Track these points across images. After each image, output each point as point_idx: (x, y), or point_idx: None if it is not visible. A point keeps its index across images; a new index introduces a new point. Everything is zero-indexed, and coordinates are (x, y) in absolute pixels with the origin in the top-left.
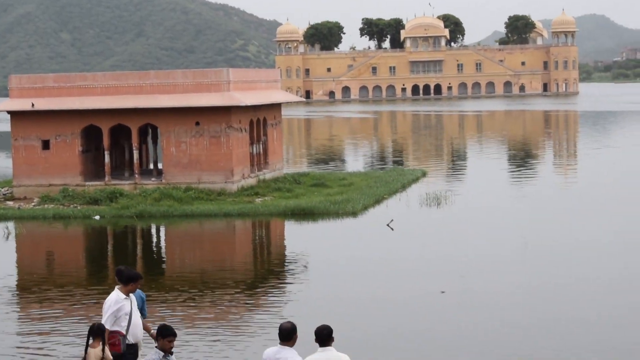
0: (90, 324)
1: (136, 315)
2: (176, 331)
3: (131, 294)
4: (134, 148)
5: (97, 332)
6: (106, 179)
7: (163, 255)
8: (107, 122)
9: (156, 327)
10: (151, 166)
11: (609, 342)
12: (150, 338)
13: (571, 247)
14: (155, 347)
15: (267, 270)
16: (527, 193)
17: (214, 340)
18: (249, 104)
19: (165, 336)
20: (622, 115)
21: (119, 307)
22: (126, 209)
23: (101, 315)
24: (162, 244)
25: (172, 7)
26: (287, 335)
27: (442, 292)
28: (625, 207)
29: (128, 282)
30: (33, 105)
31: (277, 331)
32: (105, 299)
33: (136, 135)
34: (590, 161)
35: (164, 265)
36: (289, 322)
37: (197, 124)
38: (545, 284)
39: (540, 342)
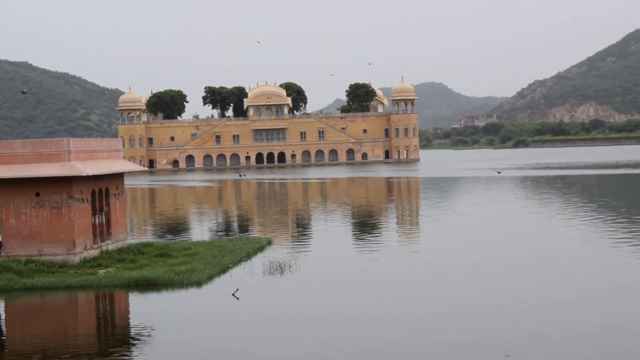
0: None
1: None
2: None
3: None
4: None
5: None
6: None
7: (3, 330)
8: None
9: None
10: None
11: None
12: None
13: (407, 313)
14: None
15: (110, 342)
16: (371, 258)
17: None
18: (90, 174)
19: None
20: (460, 180)
21: None
22: None
23: None
24: (2, 318)
25: (12, 75)
26: None
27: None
28: (466, 272)
29: None
30: None
31: None
32: None
33: None
34: (431, 226)
35: (3, 342)
36: None
37: (38, 194)
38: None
39: None
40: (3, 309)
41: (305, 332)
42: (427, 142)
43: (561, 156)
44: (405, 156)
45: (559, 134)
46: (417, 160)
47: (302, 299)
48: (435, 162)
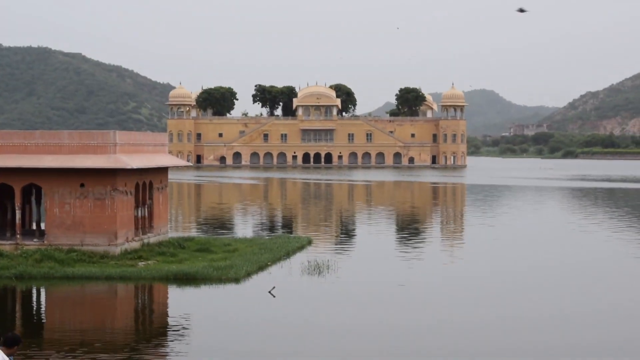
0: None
1: None
2: None
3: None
4: (16, 208)
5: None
6: None
7: (43, 318)
8: None
9: None
10: (34, 227)
11: None
12: None
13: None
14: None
15: (147, 334)
16: (412, 264)
17: None
18: (135, 167)
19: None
20: (507, 189)
21: None
22: (5, 270)
23: None
24: (42, 306)
25: (65, 66)
26: None
27: None
28: (508, 283)
29: (13, 345)
30: None
31: None
32: None
33: (19, 195)
34: (475, 233)
35: (43, 329)
36: None
37: (82, 185)
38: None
39: None
40: (44, 297)
41: (339, 335)
42: (475, 149)
43: (609, 169)
44: (452, 162)
45: (609, 147)
46: (464, 166)
47: (338, 301)
48: (482, 169)
